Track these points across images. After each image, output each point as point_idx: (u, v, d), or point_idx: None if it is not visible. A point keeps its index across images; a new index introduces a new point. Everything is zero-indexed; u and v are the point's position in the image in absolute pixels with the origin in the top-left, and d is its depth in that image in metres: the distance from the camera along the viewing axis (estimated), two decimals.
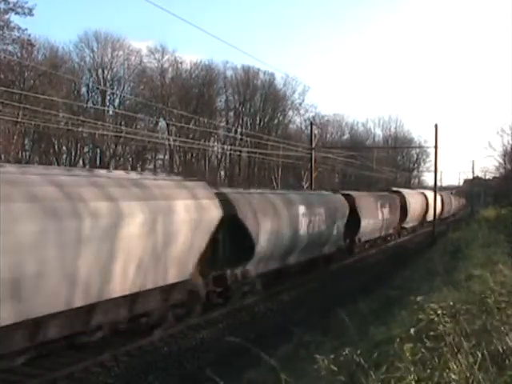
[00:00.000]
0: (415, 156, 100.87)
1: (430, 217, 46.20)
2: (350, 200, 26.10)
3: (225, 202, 15.04)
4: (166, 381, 10.58)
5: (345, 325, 7.82)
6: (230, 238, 15.68)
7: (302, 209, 19.89)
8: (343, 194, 26.46)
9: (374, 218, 29.72)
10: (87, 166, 61.28)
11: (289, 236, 18.65)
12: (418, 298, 7.25)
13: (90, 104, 58.32)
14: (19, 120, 37.77)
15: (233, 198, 15.97)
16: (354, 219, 25.68)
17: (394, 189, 40.59)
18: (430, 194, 48.65)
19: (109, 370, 10.84)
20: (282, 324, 14.32)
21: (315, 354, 5.40)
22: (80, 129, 43.28)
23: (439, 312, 6.00)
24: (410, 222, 40.09)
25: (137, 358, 11.57)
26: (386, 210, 31.73)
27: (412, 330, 5.59)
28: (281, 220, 18.04)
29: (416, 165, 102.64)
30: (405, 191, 40.51)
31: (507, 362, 5.02)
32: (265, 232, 16.69)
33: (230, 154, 67.47)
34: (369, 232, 29.29)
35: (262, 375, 8.30)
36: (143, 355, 11.76)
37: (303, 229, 19.77)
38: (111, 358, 11.26)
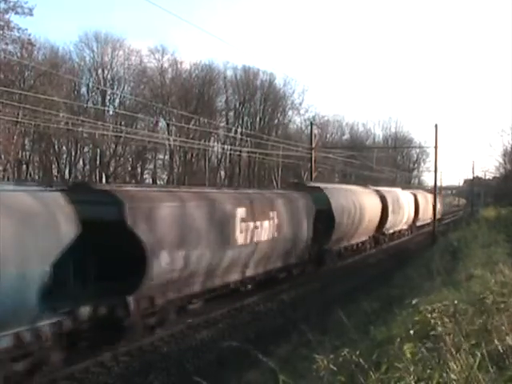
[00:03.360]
0: (415, 156, 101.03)
1: (393, 228, 34.45)
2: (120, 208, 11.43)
3: None
4: (166, 381, 10.59)
5: (345, 324, 7.83)
6: None
7: None
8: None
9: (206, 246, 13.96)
10: (87, 166, 61.39)
11: None
12: (414, 301, 7.25)
13: (90, 104, 58.23)
14: (19, 120, 37.72)
15: None
16: None
17: (313, 184, 24.77)
18: (396, 194, 35.55)
19: (109, 369, 10.85)
20: (282, 324, 14.33)
21: (315, 353, 5.40)
22: (80, 129, 43.22)
23: (439, 312, 6.01)
24: (342, 241, 25.06)
25: (137, 357, 11.58)
26: (266, 225, 17.11)
27: (412, 331, 5.58)
28: None
29: (416, 165, 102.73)
30: (331, 188, 25.46)
31: (507, 362, 5.02)
32: None
33: (230, 154, 67.42)
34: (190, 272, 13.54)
35: (263, 376, 8.30)
36: (143, 355, 11.76)
37: None
38: (111, 358, 11.26)
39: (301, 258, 20.62)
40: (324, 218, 21.78)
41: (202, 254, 13.75)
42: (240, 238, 15.54)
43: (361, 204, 26.68)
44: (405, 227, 39.29)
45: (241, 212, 15.64)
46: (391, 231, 34.55)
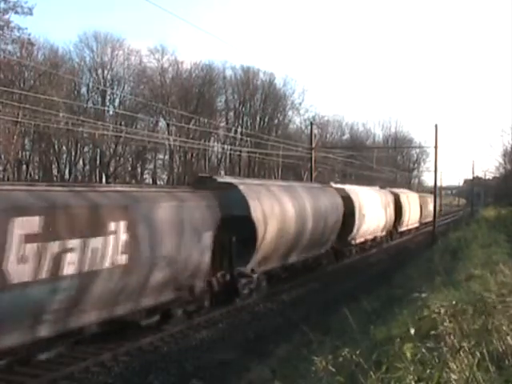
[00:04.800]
0: (415, 156, 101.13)
1: (363, 236, 27.85)
2: None
3: None
4: (166, 381, 10.59)
5: (345, 324, 7.84)
6: None
7: None
8: None
9: None
10: (87, 166, 61.43)
11: None
12: (423, 295, 7.26)
13: (90, 104, 58.30)
14: (19, 120, 37.73)
15: None
16: None
17: (225, 180, 17.49)
18: (368, 194, 28.90)
19: (109, 369, 10.85)
20: (282, 324, 14.33)
21: (316, 353, 5.41)
22: (80, 129, 43.23)
23: (439, 312, 6.01)
24: (274, 260, 18.25)
25: (137, 357, 11.58)
26: (97, 244, 10.38)
27: (412, 331, 5.59)
28: None
29: (416, 165, 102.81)
30: (253, 184, 18.15)
31: (507, 361, 5.02)
32: None
33: (230, 154, 67.47)
34: None
35: (264, 376, 8.31)
36: (143, 355, 11.76)
37: None
38: (111, 358, 11.27)
39: (190, 291, 13.84)
40: (240, 229, 15.26)
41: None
42: (19, 271, 8.79)
43: (308, 207, 20.03)
44: (381, 234, 32.25)
45: (23, 225, 8.87)
46: (360, 240, 27.75)
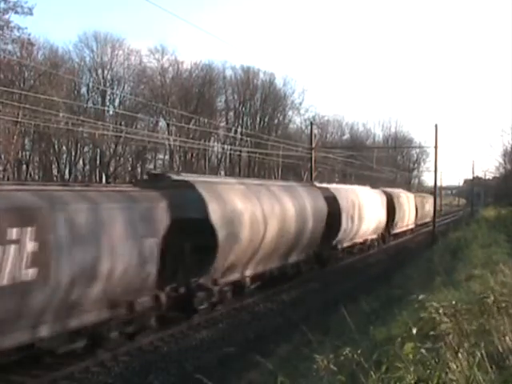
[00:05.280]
0: (415, 156, 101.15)
1: (352, 239, 26.11)
2: None
3: None
4: (166, 381, 10.59)
5: (345, 324, 7.83)
6: None
7: None
8: None
9: None
10: (87, 166, 61.42)
11: None
12: (420, 297, 7.25)
13: (90, 104, 58.29)
14: (19, 120, 37.72)
15: None
16: None
17: (181, 178, 14.83)
18: (357, 195, 26.81)
19: (109, 369, 10.85)
20: (282, 324, 14.34)
21: (316, 353, 5.41)
22: (80, 129, 43.22)
23: (439, 312, 6.01)
24: (239, 268, 16.06)
25: (137, 357, 11.58)
26: None
27: (414, 331, 5.59)
28: None
29: (416, 165, 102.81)
30: (213, 183, 16.05)
31: (507, 361, 5.03)
32: None
33: (230, 154, 67.49)
34: None
35: (263, 376, 8.31)
36: (143, 355, 11.76)
37: None
38: (111, 358, 11.27)
39: (129, 308, 11.60)
40: (197, 234, 13.29)
41: None
42: None
43: (286, 209, 18.10)
44: (372, 237, 30.30)
45: None
46: (348, 244, 25.85)
